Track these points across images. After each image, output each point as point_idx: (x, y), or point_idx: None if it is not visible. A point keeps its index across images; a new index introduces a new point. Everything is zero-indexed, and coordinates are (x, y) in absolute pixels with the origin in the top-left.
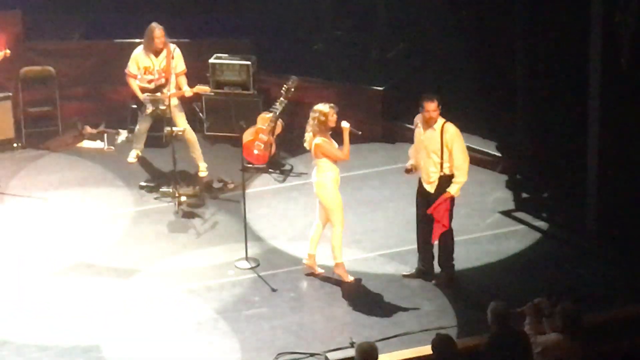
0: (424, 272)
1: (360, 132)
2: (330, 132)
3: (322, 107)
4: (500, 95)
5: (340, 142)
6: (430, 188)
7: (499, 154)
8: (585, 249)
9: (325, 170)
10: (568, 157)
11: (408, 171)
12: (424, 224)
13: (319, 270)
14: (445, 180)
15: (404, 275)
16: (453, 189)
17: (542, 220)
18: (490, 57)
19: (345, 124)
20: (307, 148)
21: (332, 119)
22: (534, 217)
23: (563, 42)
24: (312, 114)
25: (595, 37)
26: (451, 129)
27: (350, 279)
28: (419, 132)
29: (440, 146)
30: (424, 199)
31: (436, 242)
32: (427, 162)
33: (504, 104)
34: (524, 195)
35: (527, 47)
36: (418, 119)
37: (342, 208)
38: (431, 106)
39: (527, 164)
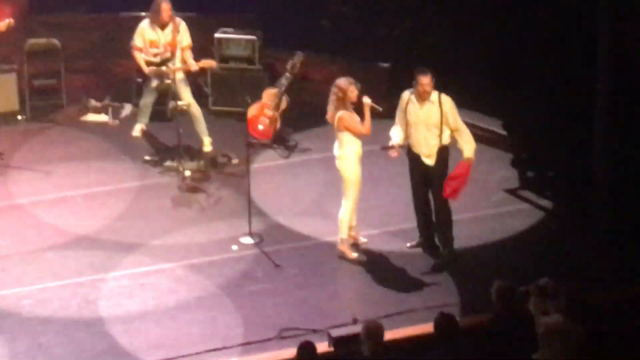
0: (427, 244)
1: (381, 109)
2: (352, 107)
3: (342, 82)
4: (506, 73)
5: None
6: (431, 161)
7: (504, 132)
8: (590, 229)
9: (348, 143)
10: (574, 136)
11: (391, 149)
12: (423, 199)
13: (362, 240)
14: (442, 151)
15: (410, 246)
16: (470, 152)
17: (547, 199)
18: (497, 34)
19: (366, 100)
20: (329, 121)
21: (352, 94)
22: (539, 195)
23: (572, 21)
24: (332, 89)
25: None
26: (448, 100)
27: (354, 255)
28: (414, 107)
29: (439, 118)
30: (421, 174)
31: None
32: (427, 136)
33: (511, 82)
34: (529, 173)
35: (534, 27)
36: (406, 95)
37: (359, 184)
38: (425, 80)
39: (533, 142)
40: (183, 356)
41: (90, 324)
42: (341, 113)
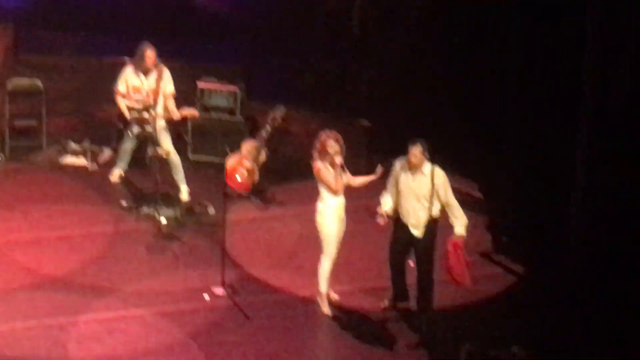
0: (394, 305)
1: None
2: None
3: (323, 134)
4: (485, 137)
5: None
6: (418, 232)
7: (480, 196)
8: (563, 298)
9: (325, 197)
10: (551, 203)
11: (381, 217)
12: (397, 267)
13: (334, 296)
14: (431, 223)
15: (383, 308)
16: (463, 230)
17: (520, 265)
18: (477, 97)
19: (338, 161)
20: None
21: (332, 149)
22: (513, 261)
23: (552, 86)
24: (315, 142)
25: (587, 80)
26: (441, 174)
27: (328, 311)
28: (406, 177)
29: (430, 191)
30: (405, 243)
31: (413, 284)
32: (416, 207)
33: (489, 146)
34: (504, 238)
35: (514, 90)
36: (399, 164)
37: (336, 240)
38: (415, 150)
39: (509, 206)
40: None
41: None
42: (318, 164)
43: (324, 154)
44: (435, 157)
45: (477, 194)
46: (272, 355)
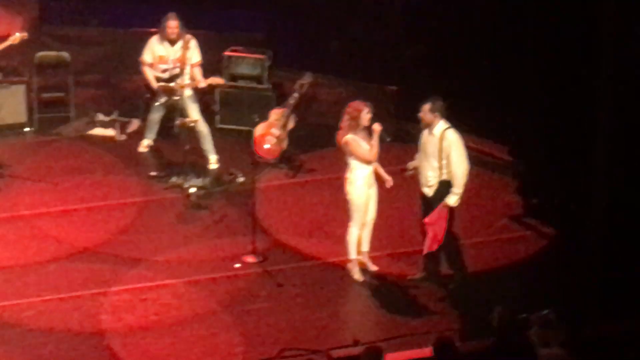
0: (427, 277)
1: (389, 139)
2: (364, 130)
3: (356, 104)
4: (514, 99)
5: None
6: (429, 191)
7: (510, 158)
8: (593, 258)
9: (355, 167)
10: (581, 164)
11: (404, 170)
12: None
13: (372, 268)
14: (445, 186)
15: (410, 279)
16: (451, 200)
17: (551, 226)
18: (505, 59)
19: (377, 127)
20: (338, 143)
21: (365, 117)
22: (543, 223)
23: (574, 47)
24: (346, 111)
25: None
26: (450, 136)
27: (360, 277)
28: (423, 135)
29: (438, 151)
30: (424, 202)
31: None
32: (425, 166)
33: (518, 108)
34: (534, 200)
35: (541, 53)
36: None
37: (365, 208)
38: (423, 108)
39: (539, 169)
40: None
41: (90, 337)
42: (348, 137)
43: (356, 124)
44: (451, 119)
45: (507, 157)
46: (304, 322)
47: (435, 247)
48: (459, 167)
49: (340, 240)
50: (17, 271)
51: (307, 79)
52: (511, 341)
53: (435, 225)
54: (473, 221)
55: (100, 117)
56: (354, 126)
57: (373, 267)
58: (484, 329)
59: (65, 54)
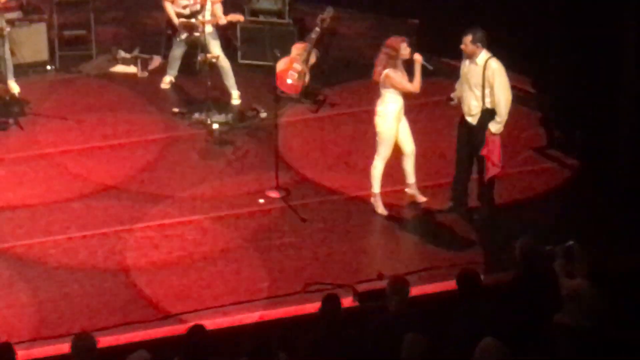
0: (454, 207)
1: (431, 67)
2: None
3: (394, 40)
4: (536, 32)
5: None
6: (473, 120)
7: (533, 90)
8: (617, 190)
9: (389, 101)
10: (604, 95)
11: (449, 100)
12: (463, 156)
13: (422, 198)
14: (488, 114)
15: (438, 210)
16: (494, 128)
17: (574, 158)
18: None
19: (418, 57)
20: (375, 79)
21: (405, 52)
22: (567, 155)
23: None
24: (383, 49)
25: None
26: (494, 65)
27: (383, 211)
28: (465, 65)
29: (481, 81)
30: (465, 132)
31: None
32: (468, 95)
33: (540, 41)
34: (557, 133)
35: None
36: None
37: (392, 143)
38: (465, 39)
39: (562, 101)
40: (208, 308)
41: (115, 274)
42: (388, 71)
43: (395, 59)
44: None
45: (531, 89)
46: (329, 256)
47: (496, 172)
48: (502, 95)
49: (364, 174)
50: (42, 209)
51: (328, 13)
52: (534, 272)
53: (492, 154)
54: (500, 155)
55: (122, 54)
56: (393, 61)
57: (422, 198)
58: (508, 261)
59: None
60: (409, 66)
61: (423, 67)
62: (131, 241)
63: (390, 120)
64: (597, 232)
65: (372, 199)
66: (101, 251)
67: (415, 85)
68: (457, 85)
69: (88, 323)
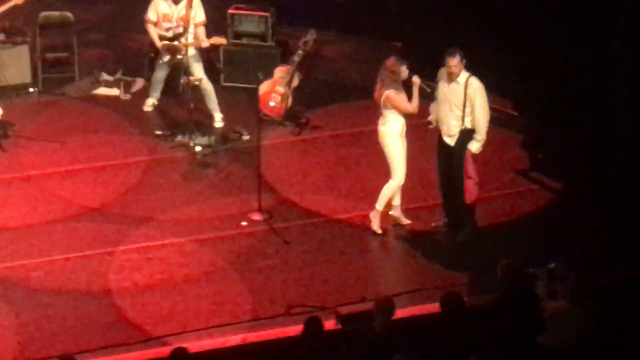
0: (446, 225)
1: (429, 90)
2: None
3: (393, 63)
4: (520, 54)
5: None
6: (451, 141)
7: (515, 113)
8: (600, 213)
9: (391, 121)
10: (586, 117)
11: (428, 124)
12: (444, 178)
13: (404, 221)
14: (467, 134)
15: (433, 226)
16: (473, 147)
17: (557, 181)
18: (508, 15)
19: (416, 79)
20: (376, 99)
21: (404, 72)
22: (549, 177)
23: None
24: (383, 70)
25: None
26: (475, 83)
27: (378, 229)
28: (443, 85)
29: (463, 100)
30: (444, 153)
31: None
32: (448, 116)
33: (522, 63)
34: (540, 155)
35: (545, 5)
36: (441, 73)
37: (404, 161)
38: (452, 61)
39: (544, 123)
40: (190, 331)
41: (98, 296)
42: (389, 92)
43: (396, 80)
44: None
45: (512, 111)
46: (312, 279)
47: (476, 192)
48: (483, 113)
49: (347, 196)
50: (24, 231)
51: (311, 35)
52: (517, 294)
53: (473, 174)
54: (479, 176)
55: (105, 76)
56: (394, 82)
57: (406, 221)
58: (491, 283)
59: (68, 14)
60: (407, 88)
61: (421, 89)
62: (114, 264)
63: (395, 139)
64: (580, 254)
65: (371, 214)
66: (84, 273)
67: (413, 106)
68: (430, 108)
69: (70, 345)
